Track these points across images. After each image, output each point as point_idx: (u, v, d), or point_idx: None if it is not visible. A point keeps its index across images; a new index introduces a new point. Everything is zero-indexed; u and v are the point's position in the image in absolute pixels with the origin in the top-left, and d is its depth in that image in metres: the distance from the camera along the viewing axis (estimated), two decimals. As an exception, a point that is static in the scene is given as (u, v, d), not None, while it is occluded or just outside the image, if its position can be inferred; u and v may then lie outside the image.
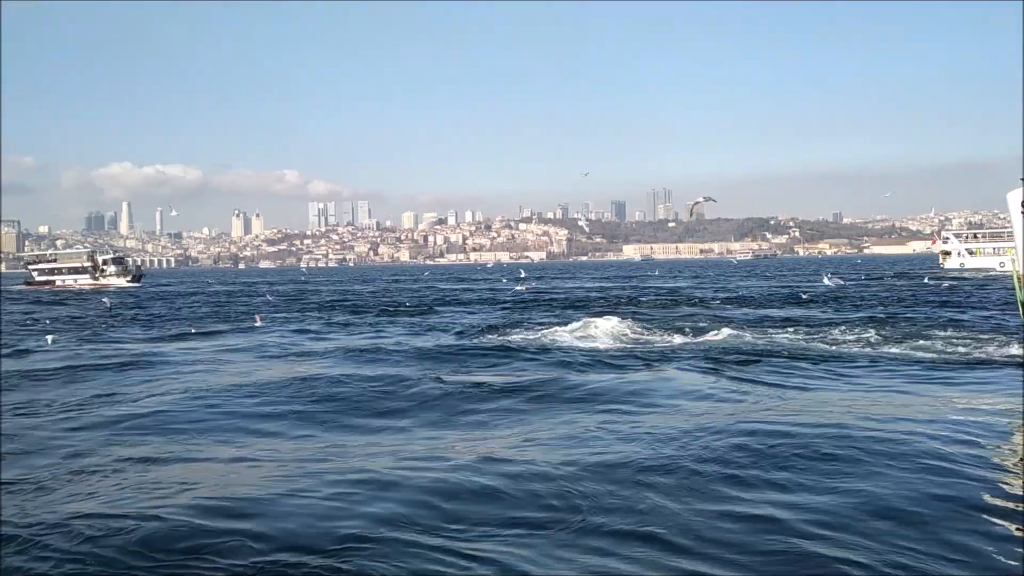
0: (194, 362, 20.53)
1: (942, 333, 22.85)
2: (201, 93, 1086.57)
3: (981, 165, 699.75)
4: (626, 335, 23.89)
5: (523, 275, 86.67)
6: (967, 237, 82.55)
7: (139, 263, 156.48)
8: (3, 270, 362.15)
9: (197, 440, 11.47)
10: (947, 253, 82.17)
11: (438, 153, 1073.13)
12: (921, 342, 20.97)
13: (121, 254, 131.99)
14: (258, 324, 32.99)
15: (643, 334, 24.35)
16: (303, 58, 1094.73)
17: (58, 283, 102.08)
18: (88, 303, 58.83)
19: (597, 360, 18.73)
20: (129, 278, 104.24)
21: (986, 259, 76.95)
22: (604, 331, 24.35)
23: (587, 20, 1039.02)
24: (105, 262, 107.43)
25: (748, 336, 23.27)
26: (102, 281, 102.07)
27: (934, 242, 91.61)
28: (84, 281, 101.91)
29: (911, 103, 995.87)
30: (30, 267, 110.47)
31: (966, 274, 70.91)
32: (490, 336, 25.42)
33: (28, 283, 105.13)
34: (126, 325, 35.87)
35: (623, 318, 27.44)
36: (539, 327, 27.54)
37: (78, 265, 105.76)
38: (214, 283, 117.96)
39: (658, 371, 16.93)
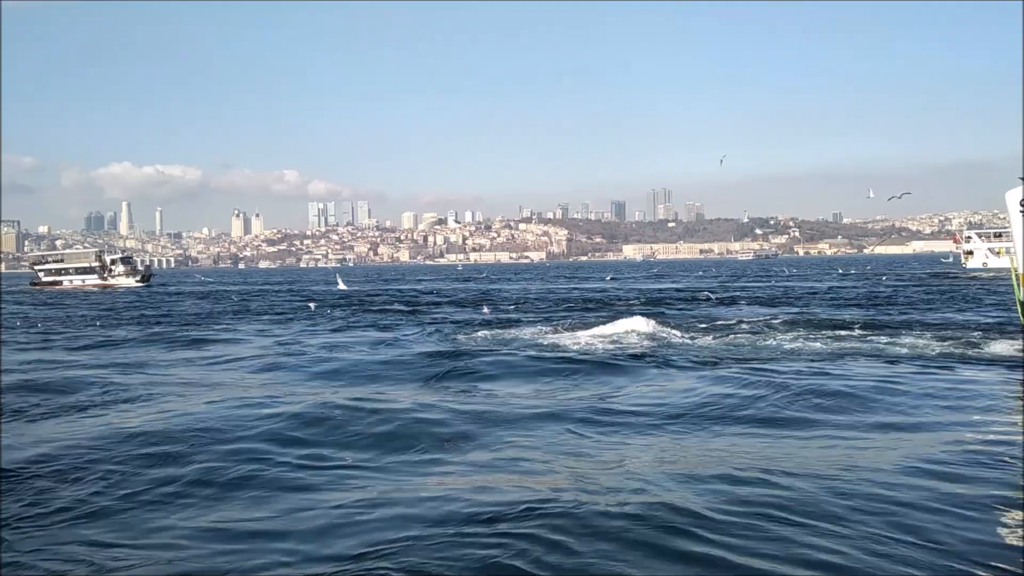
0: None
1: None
2: (201, 93, 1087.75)
3: (981, 165, 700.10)
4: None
5: (609, 277, 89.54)
6: (991, 236, 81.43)
7: (148, 263, 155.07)
8: (3, 270, 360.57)
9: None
10: (970, 253, 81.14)
11: (438, 153, 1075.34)
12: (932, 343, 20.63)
13: (129, 254, 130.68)
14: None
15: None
16: (303, 58, 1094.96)
17: (65, 284, 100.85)
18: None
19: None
20: (138, 278, 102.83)
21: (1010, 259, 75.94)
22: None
23: (587, 20, 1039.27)
24: (113, 262, 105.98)
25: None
26: (110, 281, 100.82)
27: (956, 241, 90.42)
28: (92, 281, 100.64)
29: (911, 103, 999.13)
30: (36, 267, 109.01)
31: (988, 274, 69.98)
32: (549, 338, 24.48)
33: (34, 283, 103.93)
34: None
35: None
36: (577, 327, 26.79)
37: (86, 265, 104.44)
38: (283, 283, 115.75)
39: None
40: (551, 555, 6.52)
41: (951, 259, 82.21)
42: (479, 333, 26.58)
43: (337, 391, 15.35)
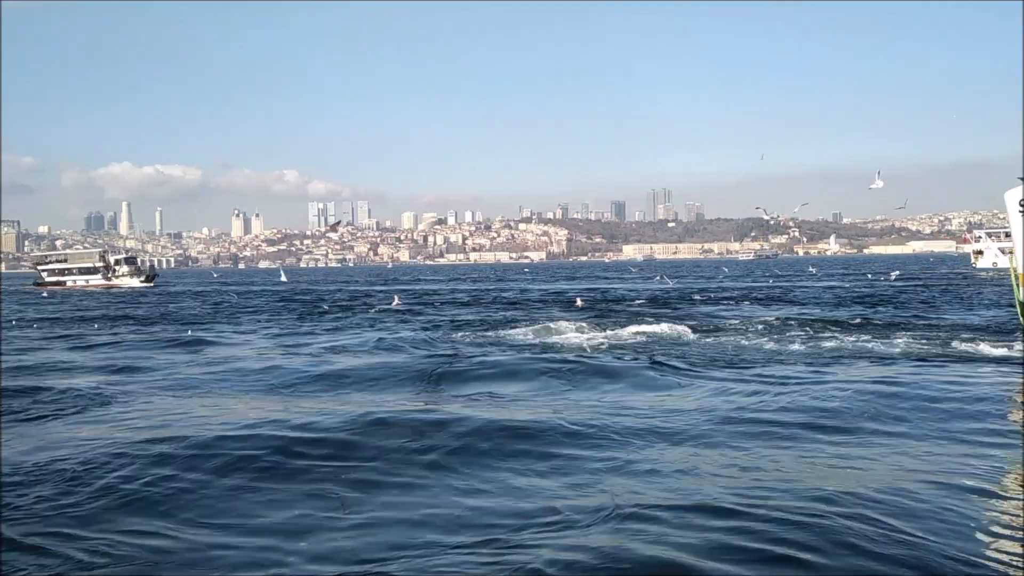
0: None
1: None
2: (201, 93, 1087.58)
3: (980, 165, 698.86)
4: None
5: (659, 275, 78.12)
6: (1001, 236, 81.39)
7: (151, 263, 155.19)
8: (3, 270, 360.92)
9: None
10: (980, 252, 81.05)
11: (438, 153, 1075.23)
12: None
13: (133, 254, 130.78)
14: None
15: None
16: (303, 58, 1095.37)
17: (69, 284, 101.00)
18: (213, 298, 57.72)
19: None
20: (142, 279, 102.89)
21: (1021, 258, 75.42)
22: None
23: (587, 20, 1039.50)
24: (117, 262, 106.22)
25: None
26: (114, 282, 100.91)
27: (965, 241, 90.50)
28: (96, 282, 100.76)
29: (911, 103, 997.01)
30: (39, 267, 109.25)
31: (988, 274, 69.84)
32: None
33: (37, 283, 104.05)
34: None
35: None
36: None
37: (90, 265, 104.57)
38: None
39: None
40: (562, 554, 6.52)
41: (892, 274, 65.23)
42: (477, 333, 26.61)
43: (336, 392, 15.41)
